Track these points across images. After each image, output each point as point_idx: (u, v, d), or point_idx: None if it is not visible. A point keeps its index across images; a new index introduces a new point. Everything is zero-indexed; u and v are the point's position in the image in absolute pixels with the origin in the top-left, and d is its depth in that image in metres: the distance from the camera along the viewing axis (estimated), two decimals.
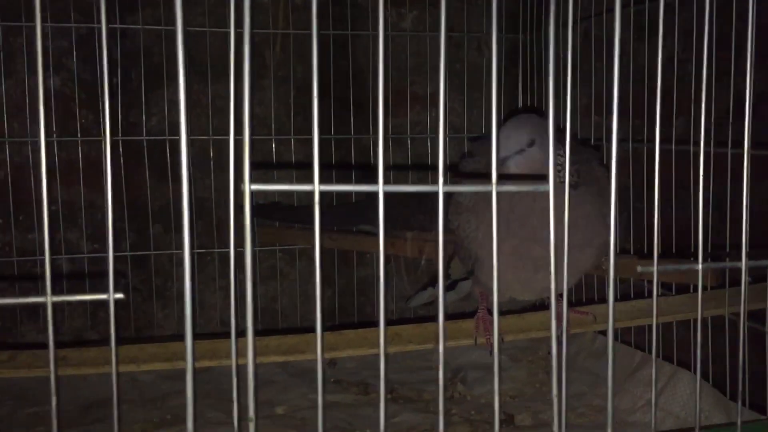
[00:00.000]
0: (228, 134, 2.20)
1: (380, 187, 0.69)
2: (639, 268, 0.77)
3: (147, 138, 2.02)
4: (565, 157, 1.31)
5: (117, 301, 0.67)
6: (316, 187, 0.67)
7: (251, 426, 0.67)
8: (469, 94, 2.21)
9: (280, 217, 2.07)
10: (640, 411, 1.49)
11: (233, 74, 0.75)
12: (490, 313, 1.44)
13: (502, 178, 1.30)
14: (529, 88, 2.16)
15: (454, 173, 1.53)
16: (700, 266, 0.78)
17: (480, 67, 2.23)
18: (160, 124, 2.05)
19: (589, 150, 1.51)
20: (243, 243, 0.69)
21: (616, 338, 1.65)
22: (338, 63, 2.13)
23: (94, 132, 2.01)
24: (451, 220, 1.42)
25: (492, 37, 0.67)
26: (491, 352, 1.39)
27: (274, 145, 2.11)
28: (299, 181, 0.79)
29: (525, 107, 2.17)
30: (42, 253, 2.06)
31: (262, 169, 2.06)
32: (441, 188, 0.70)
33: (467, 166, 1.44)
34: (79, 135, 1.99)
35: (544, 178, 1.39)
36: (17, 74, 1.95)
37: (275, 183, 0.66)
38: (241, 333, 0.73)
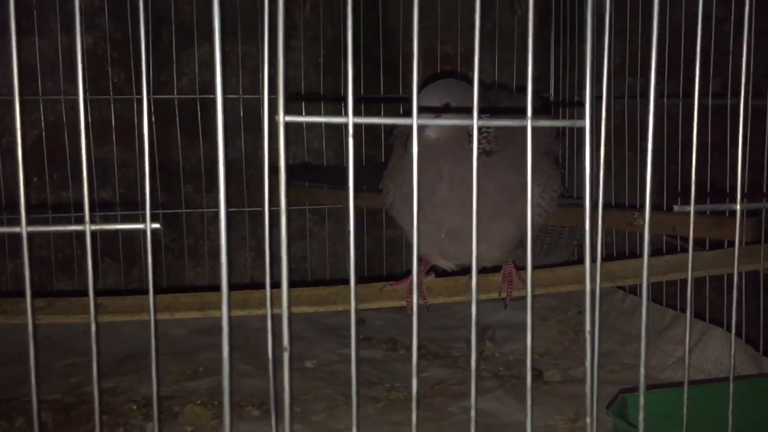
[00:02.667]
0: (258, 93, 2.19)
1: (414, 121, 0.69)
2: (676, 208, 0.76)
3: (178, 97, 2.03)
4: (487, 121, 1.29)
5: (153, 232, 0.67)
6: (350, 119, 0.67)
7: (285, 355, 0.68)
8: (500, 55, 2.18)
9: (309, 177, 2.08)
10: (670, 368, 1.48)
11: (267, 23, 0.75)
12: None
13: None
14: (561, 46, 2.13)
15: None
16: (738, 206, 0.77)
17: (511, 26, 2.20)
18: (191, 83, 2.06)
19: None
20: (276, 201, 0.68)
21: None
22: (368, 22, 2.11)
23: (126, 91, 2.02)
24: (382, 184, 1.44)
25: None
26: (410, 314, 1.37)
27: (303, 105, 2.11)
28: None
29: (444, 73, 2.13)
30: (77, 210, 2.05)
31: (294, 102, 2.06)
32: (476, 122, 0.69)
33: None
34: (111, 94, 2.00)
35: (469, 136, 1.35)
36: (51, 34, 1.97)
37: (308, 115, 0.66)
38: (276, 285, 0.73)
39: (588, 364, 0.75)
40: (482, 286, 1.34)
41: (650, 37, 0.70)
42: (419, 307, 0.68)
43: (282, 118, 0.67)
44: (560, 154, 2.03)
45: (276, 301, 0.72)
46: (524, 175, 1.28)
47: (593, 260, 0.73)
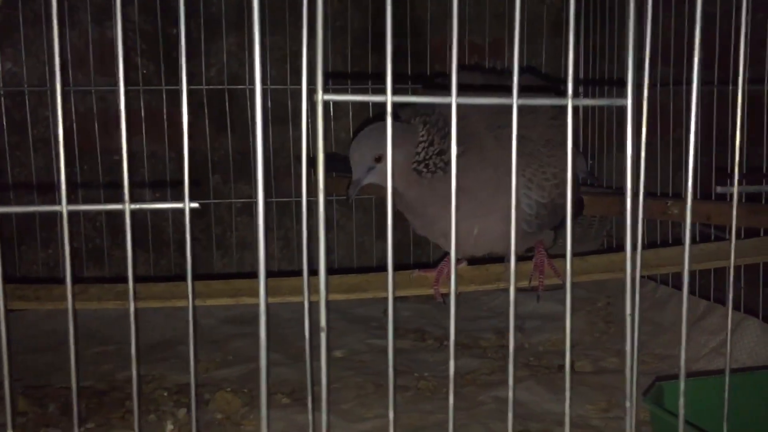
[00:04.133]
0: (286, 84, 2.19)
1: (453, 99, 0.68)
2: (718, 188, 0.75)
3: (206, 87, 2.04)
4: (433, 131, 1.25)
5: (192, 211, 0.67)
6: (389, 98, 0.67)
7: (322, 336, 0.67)
8: (529, 44, 2.16)
9: (336, 167, 2.08)
10: (704, 359, 1.46)
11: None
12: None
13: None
14: (591, 35, 2.10)
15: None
16: None
17: (540, 15, 2.18)
18: (218, 74, 2.07)
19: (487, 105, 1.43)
20: (313, 190, 0.67)
21: (679, 287, 1.62)
22: (395, 13, 2.10)
23: (155, 82, 2.04)
24: None
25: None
26: (445, 302, 1.36)
27: (369, 71, 2.11)
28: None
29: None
30: (107, 201, 2.08)
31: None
32: (515, 101, 0.69)
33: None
34: (140, 85, 2.02)
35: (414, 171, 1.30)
36: (81, 25, 1.99)
37: (348, 94, 0.66)
38: (313, 272, 0.72)
39: (628, 347, 0.74)
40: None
41: (687, 25, 0.68)
42: (450, 298, 0.68)
43: (321, 96, 0.67)
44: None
45: (311, 289, 0.72)
46: (501, 168, 1.26)
47: (634, 247, 0.72)
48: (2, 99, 1.95)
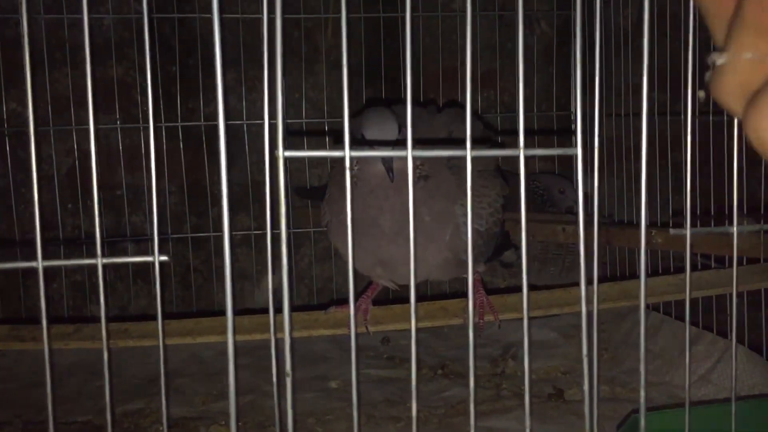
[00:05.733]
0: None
1: (409, 152, 0.71)
2: (671, 231, 0.78)
3: (205, 123, 2.08)
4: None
5: (162, 264, 0.71)
6: (347, 153, 0.70)
7: (288, 380, 0.70)
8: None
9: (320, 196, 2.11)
10: (693, 386, 1.47)
11: (267, 57, 0.77)
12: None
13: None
14: (587, 63, 2.13)
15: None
16: (735, 228, 0.78)
17: (531, 45, 2.21)
18: (217, 110, 2.11)
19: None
20: (278, 224, 0.70)
21: (669, 314, 1.63)
22: (389, 45, 2.15)
23: (155, 119, 2.08)
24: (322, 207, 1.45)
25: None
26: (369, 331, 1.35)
27: (327, 129, 2.15)
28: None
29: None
30: (110, 236, 2.11)
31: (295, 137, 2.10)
32: (469, 153, 0.72)
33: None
34: (140, 122, 2.07)
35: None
36: (83, 65, 2.03)
37: (308, 150, 0.69)
38: (279, 309, 0.75)
39: (586, 387, 0.76)
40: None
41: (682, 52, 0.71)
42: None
43: (281, 153, 0.70)
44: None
45: (282, 326, 0.74)
46: (451, 199, 1.30)
47: (589, 281, 0.73)
48: (7, 139, 2.01)
